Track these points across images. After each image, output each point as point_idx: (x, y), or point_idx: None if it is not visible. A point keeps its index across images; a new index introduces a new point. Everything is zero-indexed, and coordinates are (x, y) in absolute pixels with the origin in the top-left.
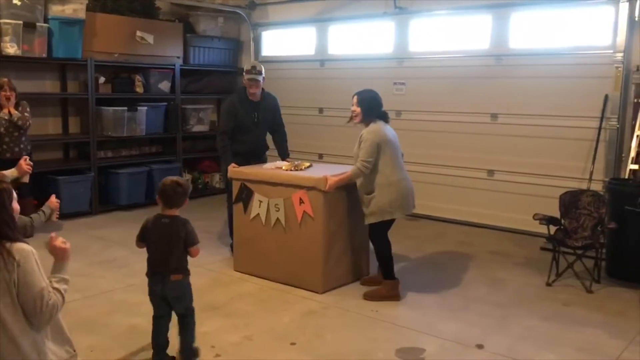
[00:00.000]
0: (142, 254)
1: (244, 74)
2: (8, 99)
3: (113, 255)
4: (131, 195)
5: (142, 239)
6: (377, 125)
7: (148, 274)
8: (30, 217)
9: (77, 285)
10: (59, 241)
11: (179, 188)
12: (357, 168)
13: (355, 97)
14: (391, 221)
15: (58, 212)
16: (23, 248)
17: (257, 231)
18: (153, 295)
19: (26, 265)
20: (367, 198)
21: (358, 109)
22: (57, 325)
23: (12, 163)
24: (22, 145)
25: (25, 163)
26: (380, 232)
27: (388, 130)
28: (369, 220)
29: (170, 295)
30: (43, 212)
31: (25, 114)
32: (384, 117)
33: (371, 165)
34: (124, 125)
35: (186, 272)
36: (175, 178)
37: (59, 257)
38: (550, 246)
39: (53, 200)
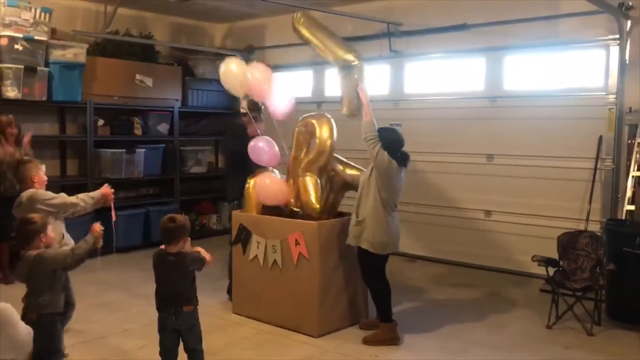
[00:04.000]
0: (138, 298)
1: (245, 112)
2: (12, 135)
3: (109, 299)
4: (128, 238)
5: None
6: (392, 162)
7: (158, 308)
8: (72, 248)
9: (71, 330)
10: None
11: (171, 224)
12: (371, 136)
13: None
14: (383, 259)
15: (101, 241)
16: (4, 307)
17: (255, 273)
18: (164, 329)
19: (6, 325)
20: (355, 220)
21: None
22: None
23: (13, 200)
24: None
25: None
26: (372, 268)
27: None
28: (349, 242)
29: (183, 326)
30: (86, 240)
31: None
32: (402, 160)
33: (372, 146)
34: (122, 167)
35: (196, 303)
36: (171, 215)
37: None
38: (549, 288)
39: (96, 227)
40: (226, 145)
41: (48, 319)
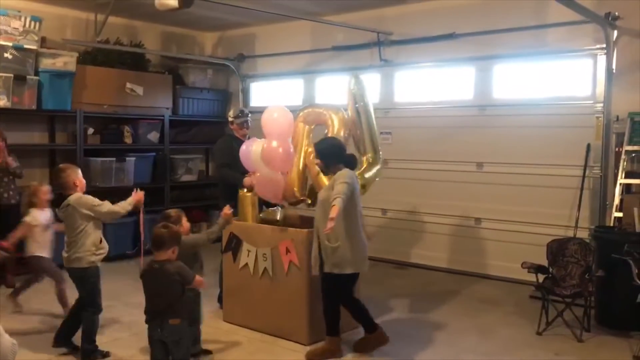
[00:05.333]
0: (129, 307)
1: (232, 119)
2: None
3: None
4: (118, 246)
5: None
6: (348, 171)
7: (146, 320)
8: (207, 232)
9: None
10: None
11: (163, 230)
12: (341, 200)
13: (314, 149)
14: (356, 276)
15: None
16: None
17: (246, 281)
18: (151, 340)
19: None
20: (330, 247)
21: (319, 162)
22: None
23: (2, 209)
24: (11, 192)
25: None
26: (341, 286)
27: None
28: (331, 270)
29: (169, 339)
30: (218, 223)
31: (18, 164)
32: (350, 163)
33: (346, 193)
34: (112, 175)
35: (184, 317)
36: (165, 222)
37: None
38: (539, 294)
39: (226, 211)
40: (218, 160)
41: (195, 291)
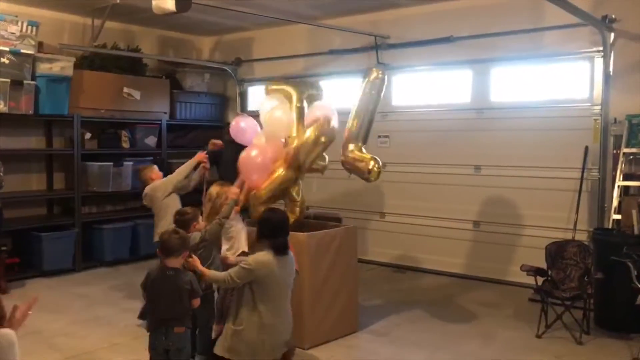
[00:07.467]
0: (126, 312)
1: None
2: None
3: (96, 314)
4: (115, 251)
5: (145, 288)
6: (262, 256)
7: (150, 328)
8: (218, 220)
9: (58, 345)
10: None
11: (174, 235)
12: (222, 279)
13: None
14: None
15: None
16: (6, 333)
17: None
18: (155, 349)
19: (7, 352)
20: (231, 329)
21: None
22: None
23: None
24: None
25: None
26: None
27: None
28: (219, 352)
29: (172, 347)
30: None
31: (0, 174)
32: (278, 249)
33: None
34: (110, 180)
35: (188, 325)
36: (174, 228)
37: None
38: (538, 297)
39: (235, 190)
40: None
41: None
